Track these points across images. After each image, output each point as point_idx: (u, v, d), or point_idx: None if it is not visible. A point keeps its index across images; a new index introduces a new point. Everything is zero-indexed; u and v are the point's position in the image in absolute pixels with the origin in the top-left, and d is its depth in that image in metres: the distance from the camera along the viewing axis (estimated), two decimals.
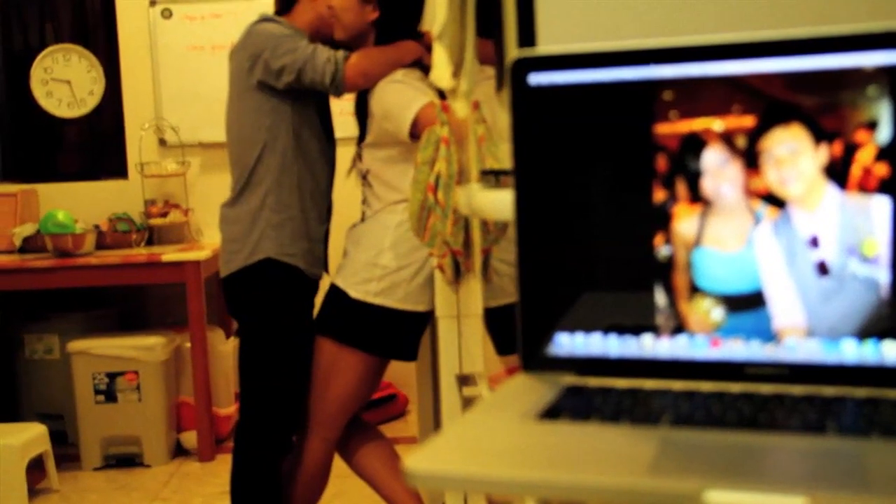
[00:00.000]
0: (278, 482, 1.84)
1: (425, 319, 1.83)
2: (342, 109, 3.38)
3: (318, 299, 1.93)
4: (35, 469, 2.66)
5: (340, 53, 1.76)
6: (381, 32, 1.80)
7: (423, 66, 1.79)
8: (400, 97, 1.72)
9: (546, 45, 0.71)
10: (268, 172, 1.80)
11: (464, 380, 1.36)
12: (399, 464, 1.93)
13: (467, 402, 1.30)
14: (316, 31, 1.84)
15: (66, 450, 2.97)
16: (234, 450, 1.86)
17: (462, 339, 1.54)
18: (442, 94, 1.70)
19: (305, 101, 1.82)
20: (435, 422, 2.16)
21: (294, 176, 1.81)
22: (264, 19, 1.82)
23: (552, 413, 0.56)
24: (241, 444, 1.85)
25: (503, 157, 1.35)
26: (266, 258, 1.80)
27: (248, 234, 1.81)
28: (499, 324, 1.83)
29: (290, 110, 1.80)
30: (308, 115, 1.84)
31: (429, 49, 1.75)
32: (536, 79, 0.63)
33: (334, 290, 1.83)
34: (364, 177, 1.85)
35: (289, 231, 1.81)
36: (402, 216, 1.75)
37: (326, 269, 1.95)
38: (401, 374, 3.11)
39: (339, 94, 1.81)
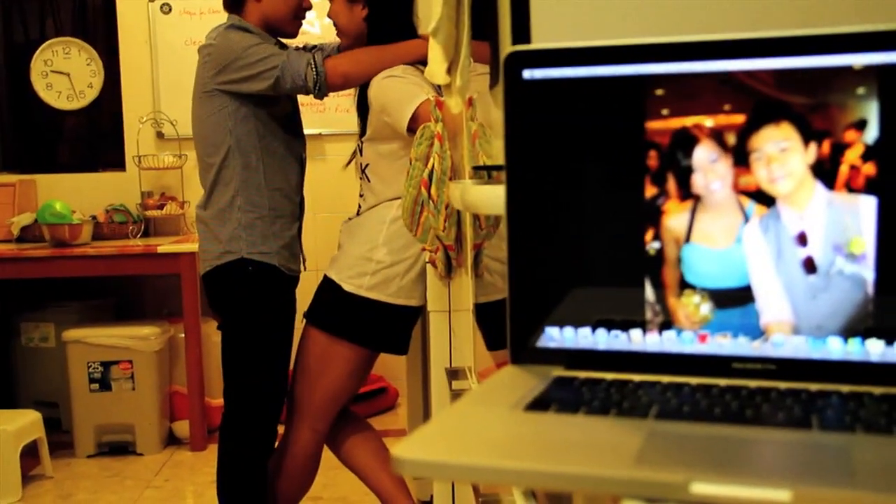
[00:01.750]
0: (262, 477, 1.85)
1: (417, 314, 1.84)
2: (338, 106, 3.39)
3: (298, 294, 1.94)
4: (29, 455, 2.67)
5: (318, 55, 1.77)
6: (371, 29, 1.81)
7: (425, 64, 1.80)
8: (399, 92, 1.73)
9: (540, 43, 0.72)
10: (235, 173, 1.80)
11: (453, 373, 1.36)
12: (387, 455, 1.94)
13: (457, 396, 1.31)
14: (267, 28, 1.84)
15: (60, 437, 2.98)
16: (219, 445, 1.87)
17: (452, 334, 1.55)
18: (440, 91, 1.71)
19: (270, 102, 1.82)
20: (424, 415, 2.17)
21: (261, 175, 1.82)
22: (234, 25, 1.81)
23: (540, 404, 0.56)
24: (225, 439, 1.86)
25: (496, 153, 1.36)
26: (240, 258, 1.81)
27: (219, 234, 1.82)
28: (489, 319, 1.84)
29: (253, 111, 1.80)
30: (273, 115, 1.84)
31: None
32: (530, 73, 0.63)
33: (327, 283, 1.84)
34: (363, 171, 1.86)
35: (260, 230, 1.82)
36: (397, 212, 1.75)
37: (304, 265, 1.96)
38: (391, 368, 3.12)
39: (321, 96, 1.82)
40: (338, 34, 1.86)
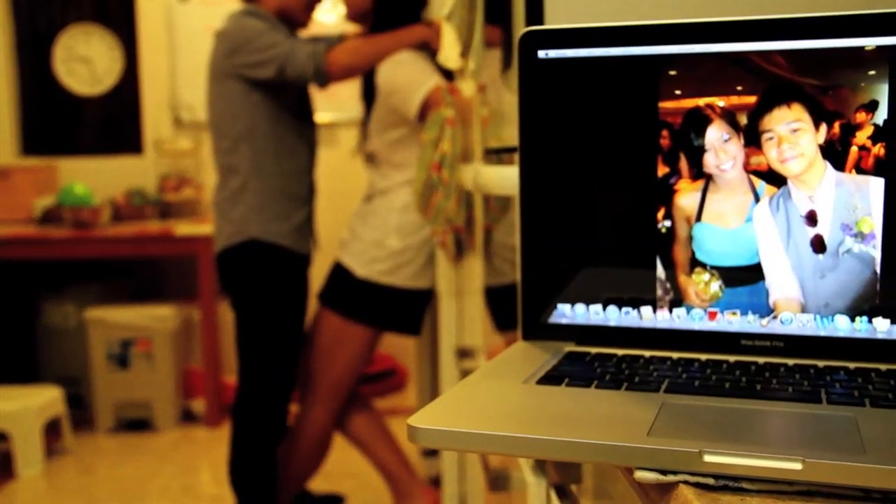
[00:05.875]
0: (273, 457, 1.86)
1: (429, 295, 1.87)
2: (351, 94, 3.39)
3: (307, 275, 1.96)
4: (51, 430, 2.74)
5: (321, 47, 1.77)
6: (378, 16, 1.82)
7: (429, 49, 1.81)
8: (409, 77, 1.74)
9: (552, 25, 0.72)
10: (246, 157, 1.82)
11: (463, 353, 1.38)
12: (389, 433, 1.97)
13: (465, 375, 1.33)
14: (281, 17, 1.85)
15: (81, 413, 3.04)
16: (232, 425, 1.89)
17: (462, 315, 1.56)
18: (448, 76, 1.72)
19: (280, 88, 1.84)
20: (433, 395, 2.19)
21: (272, 159, 1.84)
22: (247, 12, 1.83)
23: (553, 378, 0.57)
24: (237, 419, 1.88)
25: (506, 138, 1.37)
26: (250, 239, 1.83)
27: (230, 216, 1.84)
28: (498, 301, 1.86)
29: (265, 97, 1.82)
30: (284, 100, 1.85)
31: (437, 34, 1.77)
32: (545, 53, 0.64)
33: (340, 268, 1.86)
34: (371, 157, 1.87)
35: (270, 212, 1.83)
36: (408, 198, 1.77)
37: (316, 245, 1.98)
38: (400, 349, 3.15)
39: (323, 87, 1.83)
40: (347, 15, 1.86)
